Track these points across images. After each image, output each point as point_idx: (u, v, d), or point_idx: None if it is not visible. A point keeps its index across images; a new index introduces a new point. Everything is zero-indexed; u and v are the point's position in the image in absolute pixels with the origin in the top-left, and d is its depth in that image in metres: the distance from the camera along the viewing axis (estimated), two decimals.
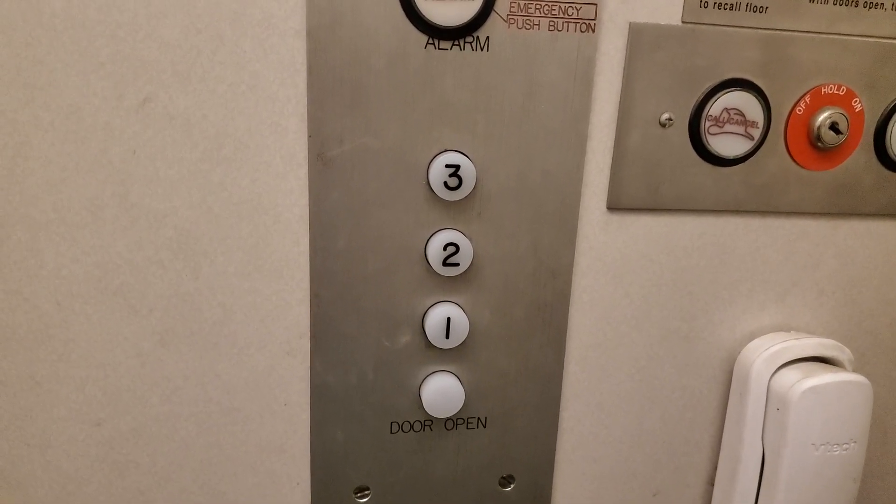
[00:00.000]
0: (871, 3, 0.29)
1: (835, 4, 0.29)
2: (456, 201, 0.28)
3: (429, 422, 0.30)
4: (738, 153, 0.29)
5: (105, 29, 0.24)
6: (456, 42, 0.26)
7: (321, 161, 0.26)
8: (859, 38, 0.29)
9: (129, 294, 0.27)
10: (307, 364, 0.29)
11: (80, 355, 0.27)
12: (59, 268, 0.26)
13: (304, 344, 0.28)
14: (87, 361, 0.27)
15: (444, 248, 0.27)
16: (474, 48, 0.26)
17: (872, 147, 0.31)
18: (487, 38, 0.26)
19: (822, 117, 0.29)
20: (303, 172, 0.27)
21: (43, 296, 0.26)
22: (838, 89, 0.29)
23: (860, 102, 0.30)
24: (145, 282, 0.27)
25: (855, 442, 0.29)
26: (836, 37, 0.29)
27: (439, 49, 0.26)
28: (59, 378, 0.27)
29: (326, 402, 0.29)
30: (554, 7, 0.26)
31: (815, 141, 0.30)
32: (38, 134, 0.24)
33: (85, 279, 0.26)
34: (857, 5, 0.29)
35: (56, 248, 0.26)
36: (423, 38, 0.26)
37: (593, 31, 0.27)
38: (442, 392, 0.29)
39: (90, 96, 0.24)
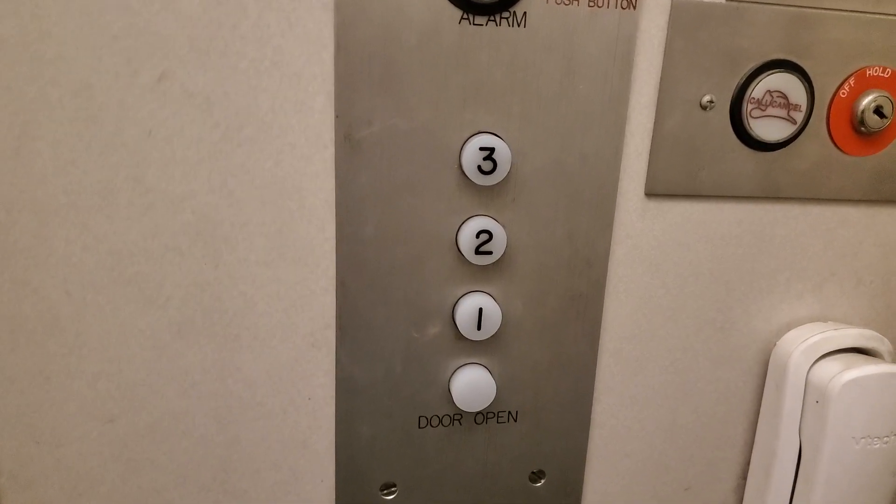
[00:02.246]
0: None
1: None
2: (489, 186, 0.26)
3: (458, 416, 0.29)
4: (779, 137, 0.28)
5: None
6: (492, 17, 0.25)
7: (349, 142, 0.25)
8: None
9: (145, 283, 0.25)
10: (332, 356, 0.28)
11: (92, 348, 0.26)
12: (69, 255, 0.24)
13: (330, 335, 0.27)
14: (99, 355, 0.26)
15: (477, 236, 0.26)
16: (511, 24, 0.25)
17: None
18: (525, 13, 0.25)
19: (867, 101, 0.28)
20: (329, 154, 0.25)
21: (52, 285, 0.25)
22: (884, 72, 0.28)
23: None
24: (162, 270, 0.25)
25: (895, 435, 0.29)
26: (883, 17, 0.28)
27: (474, 25, 0.25)
28: (69, 373, 0.26)
29: (352, 395, 0.28)
30: None
31: (858, 125, 0.29)
32: (46, 112, 0.23)
33: (97, 267, 0.25)
34: None
35: (66, 234, 0.24)
36: (458, 13, 0.24)
37: (634, 7, 0.26)
38: (472, 385, 0.28)
39: (102, 72, 0.23)
